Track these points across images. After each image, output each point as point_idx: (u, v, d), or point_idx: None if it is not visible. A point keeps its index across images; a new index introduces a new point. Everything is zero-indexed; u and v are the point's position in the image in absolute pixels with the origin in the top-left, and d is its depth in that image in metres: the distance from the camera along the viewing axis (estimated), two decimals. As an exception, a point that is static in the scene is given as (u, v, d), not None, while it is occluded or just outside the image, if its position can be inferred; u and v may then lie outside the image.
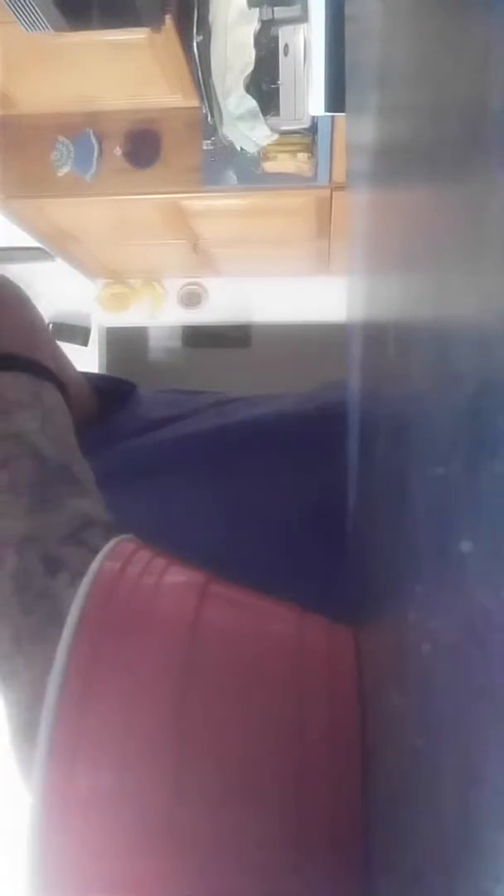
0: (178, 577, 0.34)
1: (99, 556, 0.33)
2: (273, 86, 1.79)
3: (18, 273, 3.05)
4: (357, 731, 0.27)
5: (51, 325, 3.27)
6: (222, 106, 1.82)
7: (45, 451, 0.40)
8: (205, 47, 1.73)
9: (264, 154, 1.97)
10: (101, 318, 3.26)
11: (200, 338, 3.61)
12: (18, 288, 0.51)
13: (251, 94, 1.76)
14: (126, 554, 0.34)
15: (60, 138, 2.11)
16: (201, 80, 1.79)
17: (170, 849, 0.26)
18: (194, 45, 1.72)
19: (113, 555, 0.34)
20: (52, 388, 0.45)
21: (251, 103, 1.78)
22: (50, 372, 0.46)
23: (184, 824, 0.26)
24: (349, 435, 0.47)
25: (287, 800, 0.26)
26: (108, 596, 0.31)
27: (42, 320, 0.51)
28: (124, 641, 0.30)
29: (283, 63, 1.75)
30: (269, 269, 2.99)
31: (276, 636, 0.32)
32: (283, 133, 1.89)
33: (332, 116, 1.79)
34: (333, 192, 2.08)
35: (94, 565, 0.32)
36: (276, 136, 1.88)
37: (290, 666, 0.30)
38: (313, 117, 1.85)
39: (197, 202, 2.20)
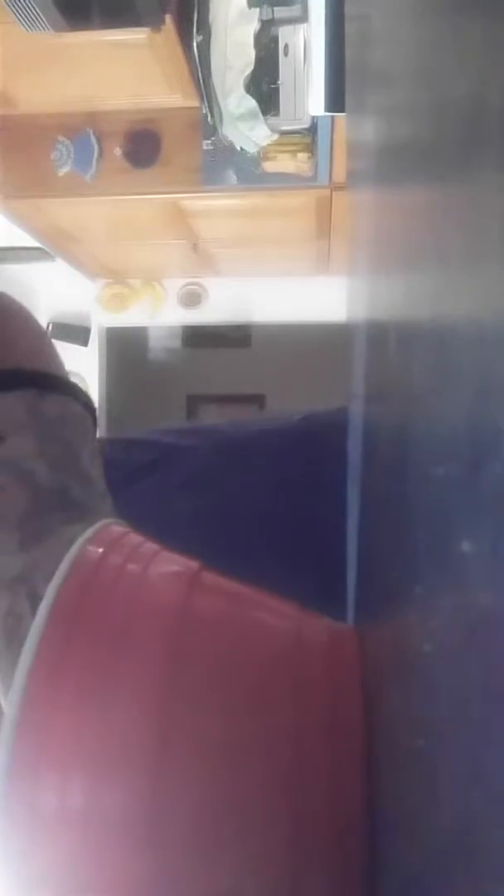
0: (168, 565, 0.31)
1: (80, 540, 0.31)
2: (273, 86, 1.79)
3: (18, 273, 3.05)
4: (359, 728, 0.26)
5: (51, 326, 3.27)
6: (222, 106, 1.82)
7: (39, 476, 0.39)
8: (205, 47, 1.73)
9: (264, 154, 1.97)
10: (101, 318, 3.26)
11: (200, 338, 3.61)
12: (15, 299, 0.50)
13: (251, 94, 1.76)
14: (111, 538, 0.31)
15: (60, 138, 2.11)
16: (201, 80, 1.79)
17: (151, 849, 0.24)
18: (194, 45, 1.72)
19: (96, 539, 0.31)
20: (59, 398, 0.43)
21: (251, 103, 1.78)
22: (59, 379, 0.44)
23: (168, 826, 0.25)
24: (350, 435, 0.47)
25: (285, 801, 0.25)
26: (87, 582, 0.28)
27: (43, 328, 0.51)
28: (102, 633, 0.27)
29: (283, 63, 1.75)
30: (269, 269, 2.99)
31: (273, 630, 0.31)
32: (283, 133, 1.89)
33: (332, 116, 1.79)
34: (333, 192, 2.08)
35: (74, 549, 0.30)
36: (276, 136, 1.88)
37: (288, 661, 0.28)
38: (313, 117, 1.85)
39: (197, 202, 2.20)
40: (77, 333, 3.24)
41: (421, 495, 0.16)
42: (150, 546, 0.33)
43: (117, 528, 0.33)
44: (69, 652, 0.26)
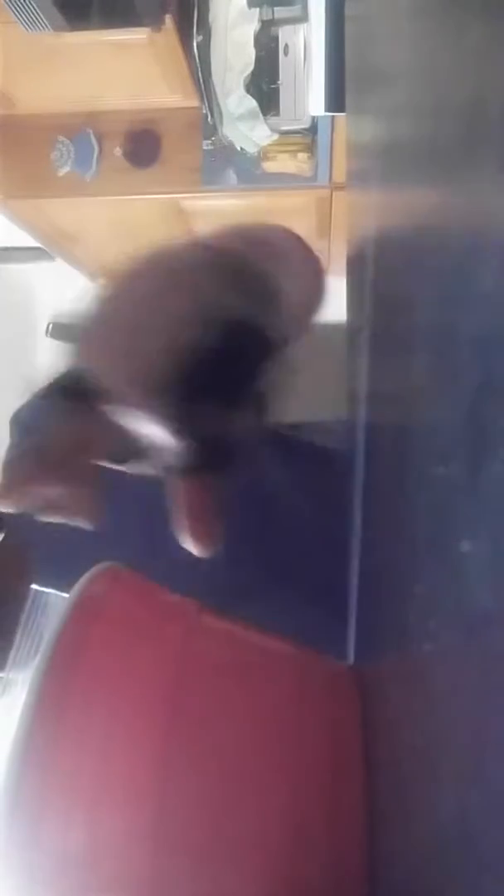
0: (166, 607, 0.31)
1: (82, 581, 0.30)
2: (273, 86, 1.79)
3: (18, 273, 3.05)
4: (359, 765, 0.26)
5: (50, 326, 3.27)
6: (222, 106, 1.82)
7: None
8: (205, 47, 1.73)
9: (264, 154, 1.97)
10: (101, 318, 3.25)
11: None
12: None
13: (251, 94, 1.76)
14: (111, 579, 0.31)
15: (60, 138, 2.11)
16: (201, 80, 1.79)
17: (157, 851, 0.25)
18: (194, 45, 1.72)
19: (97, 580, 0.31)
20: None
21: (251, 103, 1.78)
22: None
23: (169, 867, 0.24)
24: (351, 436, 0.47)
25: (286, 805, 0.25)
26: (89, 624, 0.29)
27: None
28: (103, 676, 0.27)
29: (283, 63, 1.75)
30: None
31: (271, 674, 0.30)
32: (283, 133, 1.89)
33: (332, 116, 1.79)
34: (333, 192, 2.07)
35: (76, 590, 0.30)
36: (276, 136, 1.88)
37: (288, 705, 0.28)
38: (313, 117, 1.85)
39: (197, 202, 2.20)
40: (77, 333, 3.23)
41: (421, 495, 0.16)
42: (149, 587, 0.33)
43: (116, 569, 0.33)
44: (69, 694, 0.26)
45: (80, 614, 0.29)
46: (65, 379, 0.38)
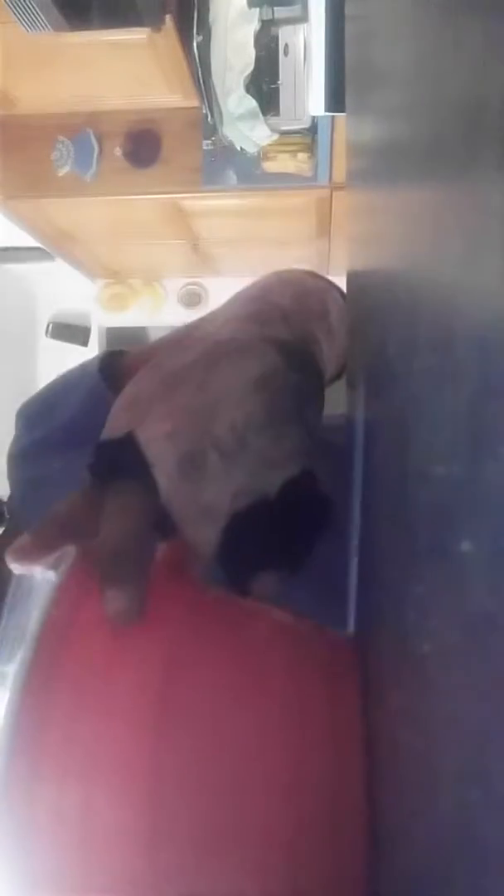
0: (154, 589, 0.30)
1: (60, 573, 0.29)
2: (273, 86, 1.79)
3: (18, 273, 3.06)
4: (358, 738, 0.26)
5: (50, 326, 3.27)
6: (222, 106, 1.82)
7: None
8: (205, 47, 1.73)
9: (264, 154, 1.97)
10: (101, 318, 3.26)
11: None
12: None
13: (251, 94, 1.77)
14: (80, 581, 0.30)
15: (60, 138, 2.11)
16: (201, 80, 1.79)
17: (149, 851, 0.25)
18: (194, 45, 1.72)
19: (78, 572, 0.30)
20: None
21: (251, 103, 1.78)
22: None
23: (167, 834, 0.24)
24: (351, 435, 0.47)
25: (284, 803, 0.25)
26: (77, 602, 0.28)
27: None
28: (95, 643, 0.27)
29: (283, 63, 1.75)
30: (269, 269, 2.98)
31: (267, 642, 0.30)
32: (283, 133, 1.89)
33: (332, 116, 1.79)
34: (333, 192, 2.08)
35: (57, 579, 0.29)
36: (276, 136, 1.88)
37: (286, 674, 0.28)
38: (313, 117, 1.85)
39: (197, 202, 2.20)
40: (77, 333, 3.24)
41: (421, 495, 0.16)
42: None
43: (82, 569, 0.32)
44: (59, 674, 0.26)
45: (68, 594, 0.28)
46: (115, 443, 0.35)
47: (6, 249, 2.81)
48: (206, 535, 0.34)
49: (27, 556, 0.33)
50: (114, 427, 0.36)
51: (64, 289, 3.17)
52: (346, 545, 0.38)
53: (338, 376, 0.54)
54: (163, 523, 0.33)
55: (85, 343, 3.23)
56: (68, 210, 2.30)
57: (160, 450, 0.33)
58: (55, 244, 2.64)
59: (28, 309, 3.28)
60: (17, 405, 0.60)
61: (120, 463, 0.34)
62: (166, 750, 0.25)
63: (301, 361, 0.40)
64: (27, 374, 3.07)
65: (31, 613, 0.30)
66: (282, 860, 0.25)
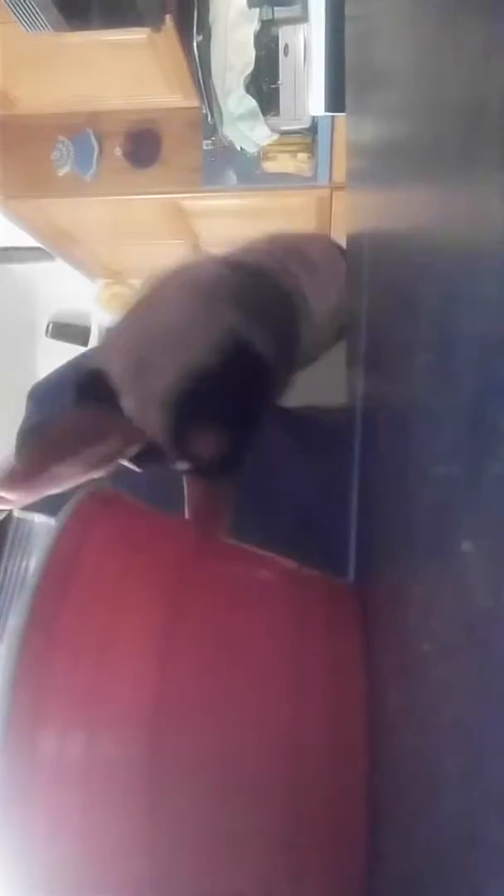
0: (163, 524, 0.30)
1: (73, 499, 0.29)
2: (273, 86, 1.79)
3: (18, 273, 3.05)
4: (361, 713, 0.25)
5: (50, 325, 3.27)
6: (222, 106, 1.82)
7: None
8: (205, 47, 1.73)
9: (264, 154, 1.97)
10: (101, 318, 3.26)
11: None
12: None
13: (251, 94, 1.76)
14: (105, 499, 0.30)
15: (60, 138, 2.11)
16: (201, 80, 1.79)
17: (150, 847, 0.24)
18: (194, 45, 1.72)
19: (89, 499, 0.30)
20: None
21: (251, 103, 1.78)
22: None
23: (164, 820, 0.24)
24: (352, 434, 0.47)
25: (284, 795, 0.25)
26: (83, 538, 0.28)
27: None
28: (99, 585, 0.26)
29: (283, 63, 1.75)
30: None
31: (273, 583, 0.30)
32: (283, 133, 1.89)
33: (332, 116, 1.79)
34: (333, 192, 2.07)
35: (69, 506, 0.29)
36: (276, 136, 1.88)
37: (289, 615, 0.27)
38: (313, 117, 1.85)
39: (197, 202, 2.20)
40: (77, 333, 3.24)
41: (421, 495, 0.16)
42: (142, 508, 0.32)
43: (107, 490, 0.33)
44: (65, 603, 0.25)
45: (71, 535, 0.28)
46: (87, 375, 0.39)
47: (6, 249, 2.80)
48: (158, 420, 0.37)
49: (19, 482, 0.33)
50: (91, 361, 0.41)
51: (64, 289, 3.17)
52: (348, 502, 0.39)
53: (332, 324, 0.54)
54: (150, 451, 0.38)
55: (85, 343, 3.23)
56: (68, 210, 2.30)
57: (116, 369, 0.38)
58: (55, 244, 2.63)
59: (28, 309, 3.28)
60: (17, 404, 0.61)
61: (95, 391, 0.38)
62: (169, 692, 0.25)
63: (252, 275, 0.44)
64: (27, 373, 3.06)
65: (32, 554, 0.30)
66: (279, 863, 0.25)
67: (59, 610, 0.25)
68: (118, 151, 2.11)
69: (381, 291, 0.29)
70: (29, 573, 0.26)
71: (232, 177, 2.06)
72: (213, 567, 0.30)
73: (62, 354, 0.51)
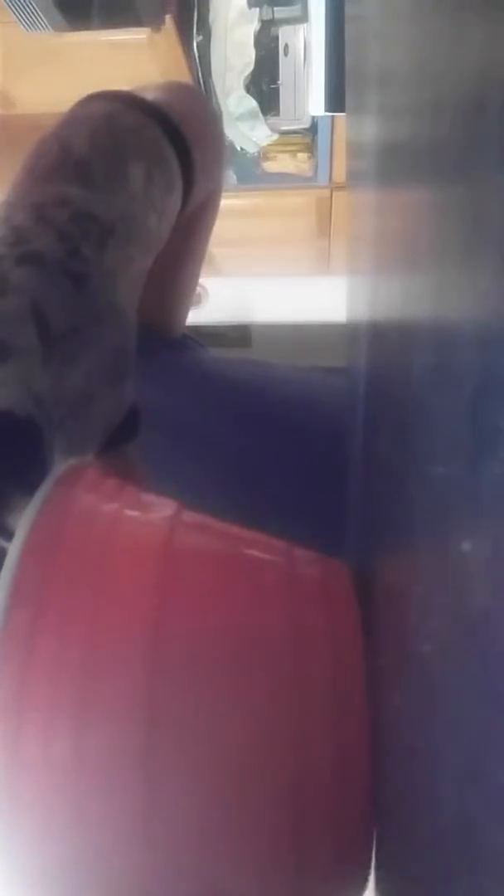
0: (146, 503, 0.29)
1: (50, 477, 0.28)
2: (273, 86, 1.79)
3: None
4: (360, 678, 0.25)
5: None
6: (222, 106, 1.82)
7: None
8: (205, 47, 1.73)
9: (264, 154, 1.97)
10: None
11: (200, 337, 3.60)
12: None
13: (251, 94, 1.76)
14: (84, 477, 0.29)
15: (60, 138, 2.11)
16: (201, 80, 1.79)
17: (146, 844, 0.23)
18: (194, 45, 1.72)
19: (69, 477, 0.28)
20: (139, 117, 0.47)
21: (251, 103, 1.78)
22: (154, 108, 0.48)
23: (161, 817, 0.23)
24: (351, 433, 0.47)
25: (285, 792, 0.25)
26: (63, 516, 0.26)
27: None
28: (82, 567, 0.25)
29: (283, 63, 1.75)
30: (269, 269, 2.98)
31: (262, 562, 0.28)
32: (283, 133, 1.89)
33: (332, 116, 1.79)
34: (333, 192, 2.08)
35: (47, 484, 0.27)
36: (276, 136, 1.88)
37: (280, 594, 0.27)
38: (313, 117, 1.85)
39: (197, 202, 2.20)
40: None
41: (421, 495, 0.16)
42: (123, 485, 0.30)
43: (84, 467, 0.31)
44: (49, 588, 0.24)
45: (50, 513, 0.27)
46: None
47: (6, 249, 2.80)
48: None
49: None
50: None
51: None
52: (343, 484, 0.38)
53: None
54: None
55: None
56: (68, 210, 2.30)
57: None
58: (55, 244, 2.63)
59: (28, 309, 3.28)
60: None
61: None
62: (162, 673, 0.24)
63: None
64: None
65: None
66: (279, 863, 0.25)
67: (45, 588, 0.24)
68: (118, 151, 2.11)
69: (381, 291, 0.29)
70: (8, 555, 0.24)
71: (232, 177, 2.06)
72: (198, 536, 0.29)
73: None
